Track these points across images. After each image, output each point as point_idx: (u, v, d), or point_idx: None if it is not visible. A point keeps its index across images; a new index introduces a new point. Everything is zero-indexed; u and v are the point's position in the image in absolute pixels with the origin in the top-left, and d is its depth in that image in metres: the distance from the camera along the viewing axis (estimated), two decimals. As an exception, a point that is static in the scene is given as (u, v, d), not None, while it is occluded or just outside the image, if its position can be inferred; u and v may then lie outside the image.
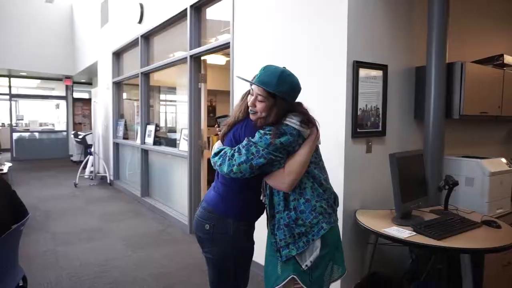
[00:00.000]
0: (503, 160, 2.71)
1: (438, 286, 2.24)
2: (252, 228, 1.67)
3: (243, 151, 1.44)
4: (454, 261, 2.19)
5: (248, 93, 1.58)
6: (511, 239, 1.84)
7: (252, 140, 1.45)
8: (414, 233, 1.89)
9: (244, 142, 1.46)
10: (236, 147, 1.48)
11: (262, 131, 1.46)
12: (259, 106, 1.47)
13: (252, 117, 1.53)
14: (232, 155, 1.45)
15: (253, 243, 1.69)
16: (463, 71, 2.49)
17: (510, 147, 3.88)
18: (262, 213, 1.69)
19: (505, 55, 2.99)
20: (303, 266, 1.50)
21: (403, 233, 1.90)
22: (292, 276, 1.50)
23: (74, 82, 11.77)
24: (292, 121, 1.46)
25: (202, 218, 1.59)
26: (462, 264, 1.92)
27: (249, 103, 1.51)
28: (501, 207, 2.57)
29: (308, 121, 1.50)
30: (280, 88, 1.43)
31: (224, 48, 3.58)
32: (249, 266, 1.71)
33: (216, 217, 1.55)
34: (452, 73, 2.52)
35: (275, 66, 1.49)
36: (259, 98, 1.46)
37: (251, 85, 1.51)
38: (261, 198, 1.62)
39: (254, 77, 1.51)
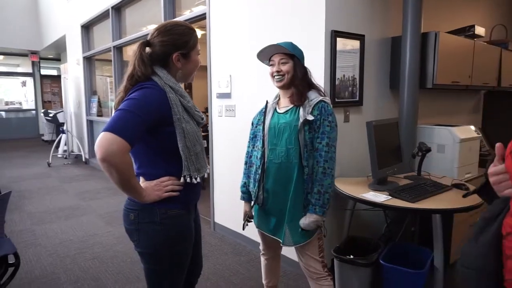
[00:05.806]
0: (472, 127, 2.83)
1: (411, 246, 2.37)
2: (189, 214, 1.40)
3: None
4: (426, 224, 2.31)
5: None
6: (478, 200, 1.96)
7: (330, 142, 1.61)
8: (390, 197, 1.98)
9: (325, 147, 1.61)
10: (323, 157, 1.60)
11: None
12: (284, 67, 1.65)
13: (278, 84, 1.68)
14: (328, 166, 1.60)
15: (191, 231, 1.41)
16: (437, 41, 2.54)
17: (479, 115, 4.07)
18: (197, 195, 1.46)
19: (476, 26, 3.07)
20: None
21: (379, 197, 1.99)
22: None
23: (41, 58, 11.21)
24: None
25: (126, 207, 1.37)
26: (433, 224, 2.03)
27: (274, 72, 1.67)
28: (469, 172, 2.71)
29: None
30: (295, 51, 1.66)
31: (199, 20, 3.49)
32: (188, 259, 1.42)
33: (139, 204, 1.31)
34: (426, 43, 2.58)
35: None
36: (282, 60, 1.65)
37: (269, 58, 1.70)
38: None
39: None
